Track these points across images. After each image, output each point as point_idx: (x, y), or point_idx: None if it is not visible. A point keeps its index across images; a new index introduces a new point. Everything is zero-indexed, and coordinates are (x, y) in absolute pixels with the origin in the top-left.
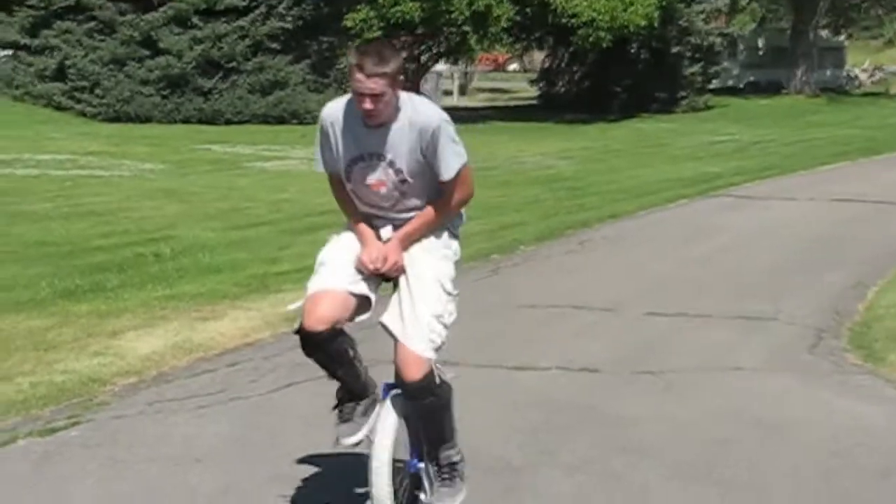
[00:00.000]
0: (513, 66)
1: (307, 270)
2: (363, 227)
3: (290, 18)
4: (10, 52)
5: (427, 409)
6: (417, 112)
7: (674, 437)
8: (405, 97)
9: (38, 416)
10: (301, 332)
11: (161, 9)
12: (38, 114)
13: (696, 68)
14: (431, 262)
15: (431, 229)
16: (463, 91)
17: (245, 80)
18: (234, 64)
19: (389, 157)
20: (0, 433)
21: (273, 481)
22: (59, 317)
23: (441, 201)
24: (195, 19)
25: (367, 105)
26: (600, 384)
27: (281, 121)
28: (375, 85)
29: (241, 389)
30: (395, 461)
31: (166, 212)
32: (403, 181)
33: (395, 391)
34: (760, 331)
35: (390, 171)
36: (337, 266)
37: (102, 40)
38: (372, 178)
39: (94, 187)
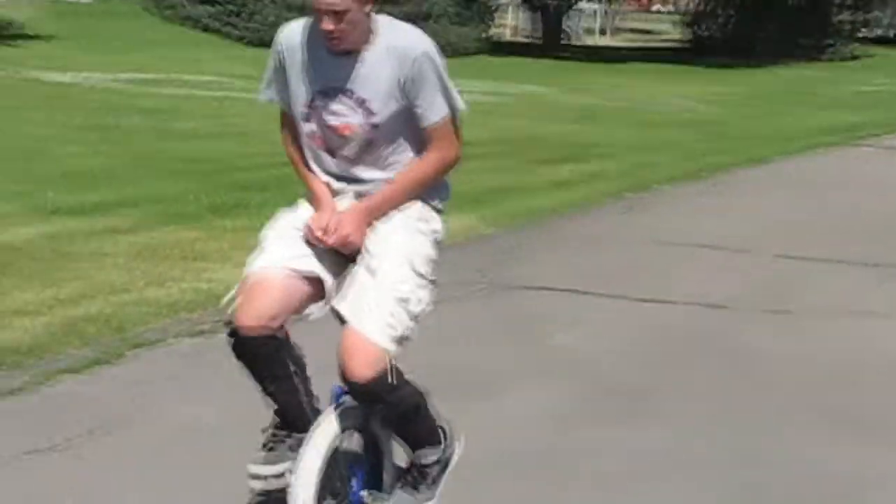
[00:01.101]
0: (657, 7)
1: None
2: (320, 186)
3: None
4: None
5: (383, 416)
6: (398, 37)
7: (800, 374)
8: (384, 21)
9: (188, 319)
10: (232, 331)
11: None
12: (186, 36)
13: (846, 15)
14: (401, 238)
15: (405, 199)
16: (605, 30)
17: (390, 12)
18: None
19: (359, 93)
20: (153, 332)
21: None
22: (206, 230)
23: (419, 162)
24: None
25: (327, 25)
26: (728, 320)
27: None
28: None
29: None
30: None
31: None
32: (375, 125)
33: (345, 398)
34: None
35: (360, 111)
36: (281, 240)
37: None
38: (336, 120)
39: (239, 109)
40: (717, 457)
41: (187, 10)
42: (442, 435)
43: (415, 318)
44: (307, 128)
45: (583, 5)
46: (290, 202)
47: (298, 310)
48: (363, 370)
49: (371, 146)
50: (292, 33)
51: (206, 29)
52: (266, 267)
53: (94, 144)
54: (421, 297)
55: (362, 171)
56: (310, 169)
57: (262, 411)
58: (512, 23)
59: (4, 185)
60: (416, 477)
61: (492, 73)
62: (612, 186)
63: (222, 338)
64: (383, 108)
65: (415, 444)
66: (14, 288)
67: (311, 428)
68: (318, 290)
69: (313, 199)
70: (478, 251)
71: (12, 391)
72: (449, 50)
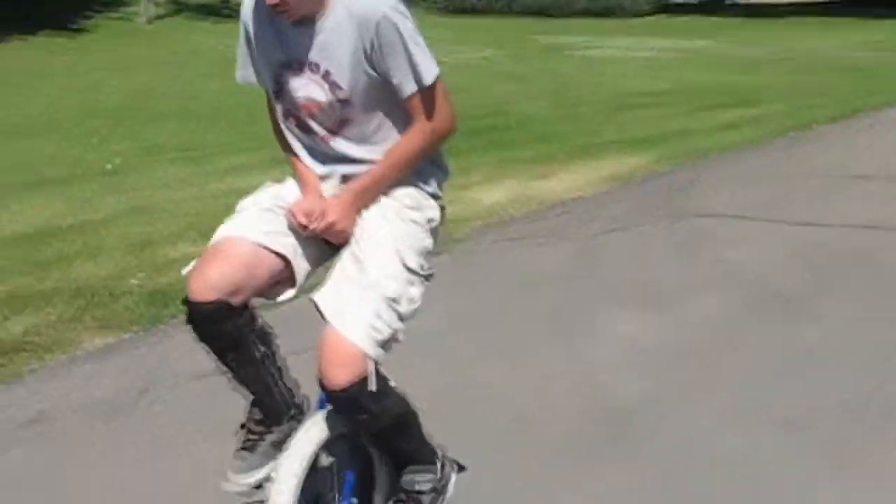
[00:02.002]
0: None
1: (623, 142)
2: (304, 170)
3: None
4: None
5: (365, 428)
6: (363, 3)
7: None
8: None
9: None
10: (185, 300)
11: None
12: None
13: None
14: (390, 229)
15: (396, 178)
16: None
17: None
18: None
19: (323, 65)
20: None
21: (599, 301)
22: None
23: (407, 137)
24: None
25: None
26: (878, 238)
27: (598, 14)
28: None
29: (569, 233)
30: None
31: (504, 90)
32: (344, 101)
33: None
34: None
35: (325, 85)
36: (256, 212)
37: None
38: (302, 96)
39: (444, 68)
40: (865, 349)
41: None
42: (436, 457)
43: (403, 318)
44: (280, 107)
45: None
46: (495, 147)
47: (265, 291)
48: (339, 377)
49: (348, 124)
50: (253, 2)
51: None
52: (232, 237)
53: None
54: (412, 295)
55: (346, 151)
56: (294, 153)
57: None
58: None
59: (244, 138)
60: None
61: (666, 31)
62: (775, 127)
63: (445, 259)
64: (351, 82)
65: (405, 462)
66: None
67: (294, 433)
68: (291, 274)
69: (298, 181)
70: (654, 185)
71: None
72: (624, 11)
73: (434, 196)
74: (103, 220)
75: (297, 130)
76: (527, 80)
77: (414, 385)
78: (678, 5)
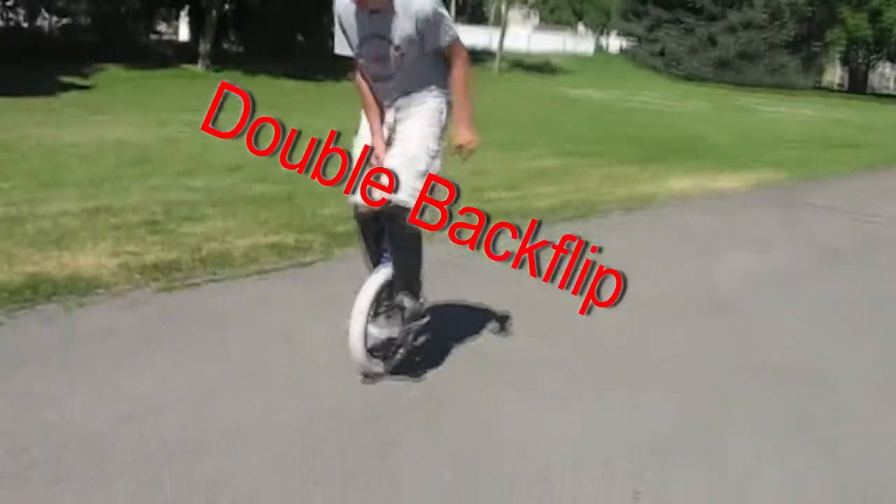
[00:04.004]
0: None
1: (769, 163)
2: (373, 117)
3: (792, 32)
4: (635, 40)
5: (395, 238)
6: (409, 2)
7: None
8: None
9: (619, 207)
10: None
11: (722, 20)
12: (645, 73)
13: None
14: (419, 127)
15: (468, 94)
16: None
17: (761, 63)
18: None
19: (389, 37)
20: (607, 207)
21: (730, 246)
22: (640, 168)
23: (456, 70)
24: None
25: None
26: None
27: (778, 87)
28: None
29: (721, 209)
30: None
31: (703, 128)
32: (402, 55)
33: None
34: None
35: (391, 48)
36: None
37: (688, 32)
38: (377, 53)
39: (668, 117)
40: (890, 285)
41: (645, 60)
42: (421, 295)
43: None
44: (361, 63)
45: (885, 70)
46: (689, 158)
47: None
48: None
49: (402, 70)
50: (341, 2)
51: (654, 69)
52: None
53: (587, 124)
54: (436, 166)
55: (401, 87)
56: (368, 104)
57: None
58: (832, 78)
59: (542, 140)
60: (391, 312)
61: (819, 103)
62: (867, 162)
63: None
64: (404, 44)
65: (402, 281)
66: (545, 185)
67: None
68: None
69: (370, 127)
70: (780, 189)
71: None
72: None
73: (444, 93)
74: (451, 177)
75: (371, 80)
76: (719, 123)
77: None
78: (831, 89)
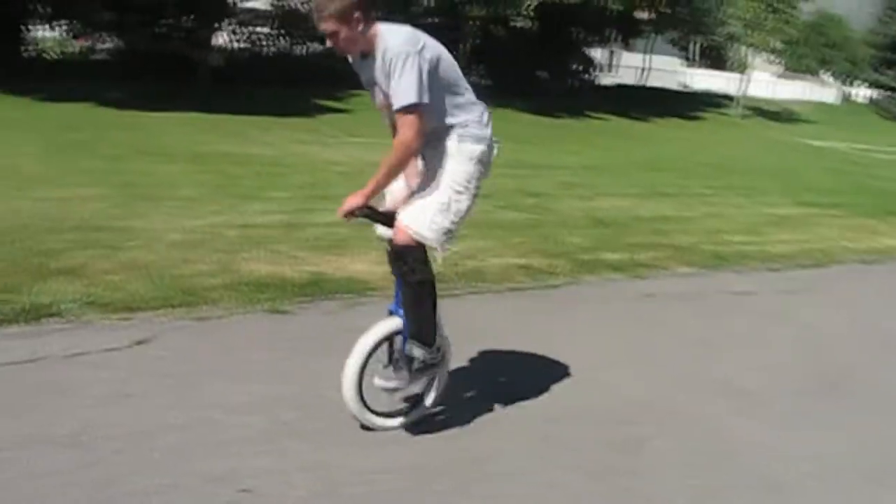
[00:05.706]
0: None
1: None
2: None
3: None
4: (887, 91)
5: (405, 284)
6: (386, 40)
7: None
8: (382, 29)
9: (845, 261)
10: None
11: None
12: (890, 127)
13: None
14: (447, 171)
15: (383, 174)
16: None
17: None
18: None
19: (379, 82)
20: (846, 256)
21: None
22: (882, 221)
23: (394, 141)
24: None
25: (329, 43)
26: None
27: None
28: (326, 26)
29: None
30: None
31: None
32: (389, 106)
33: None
34: None
35: (381, 94)
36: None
37: None
38: (376, 99)
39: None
40: None
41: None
42: (434, 341)
43: (454, 218)
44: (374, 105)
45: None
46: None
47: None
48: (399, 238)
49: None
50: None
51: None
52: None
53: (829, 175)
54: (459, 203)
55: None
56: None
57: None
58: None
59: (781, 189)
60: (400, 364)
61: None
62: None
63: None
64: (388, 89)
65: (412, 330)
66: (783, 232)
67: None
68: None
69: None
70: None
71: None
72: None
73: (477, 141)
74: (692, 217)
75: (386, 124)
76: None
77: None
78: None
